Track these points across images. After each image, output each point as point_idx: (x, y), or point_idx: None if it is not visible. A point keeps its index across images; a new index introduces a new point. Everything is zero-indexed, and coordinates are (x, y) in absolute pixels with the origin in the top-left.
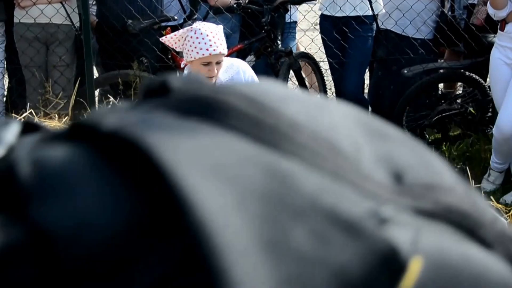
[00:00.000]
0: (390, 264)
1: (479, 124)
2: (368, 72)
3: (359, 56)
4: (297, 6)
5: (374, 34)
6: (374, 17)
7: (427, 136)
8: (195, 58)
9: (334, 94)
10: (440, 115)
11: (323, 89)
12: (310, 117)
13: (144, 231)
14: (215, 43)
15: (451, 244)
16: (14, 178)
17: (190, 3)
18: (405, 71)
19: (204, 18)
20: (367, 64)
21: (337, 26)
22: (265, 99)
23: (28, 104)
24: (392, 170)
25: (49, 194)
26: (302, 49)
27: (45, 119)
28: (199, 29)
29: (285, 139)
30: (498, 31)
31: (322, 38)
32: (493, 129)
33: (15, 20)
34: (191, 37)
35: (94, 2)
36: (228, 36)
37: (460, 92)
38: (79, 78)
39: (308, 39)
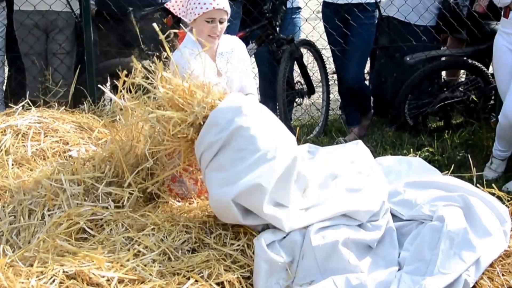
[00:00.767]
0: None
1: (481, 112)
2: (370, 60)
3: (361, 43)
4: None
5: (376, 22)
6: (376, 4)
7: (430, 124)
8: (199, 14)
9: (336, 81)
10: (442, 103)
11: (324, 76)
12: None
13: None
14: None
15: None
16: None
17: None
18: (408, 59)
19: None
20: (369, 51)
21: (339, 13)
22: None
23: (28, 92)
24: None
25: None
26: (303, 37)
27: (44, 107)
28: None
29: None
30: (502, 18)
31: (324, 26)
32: (498, 115)
33: (15, 8)
34: None
35: None
36: (229, 23)
37: (463, 79)
38: (79, 66)
39: (310, 27)
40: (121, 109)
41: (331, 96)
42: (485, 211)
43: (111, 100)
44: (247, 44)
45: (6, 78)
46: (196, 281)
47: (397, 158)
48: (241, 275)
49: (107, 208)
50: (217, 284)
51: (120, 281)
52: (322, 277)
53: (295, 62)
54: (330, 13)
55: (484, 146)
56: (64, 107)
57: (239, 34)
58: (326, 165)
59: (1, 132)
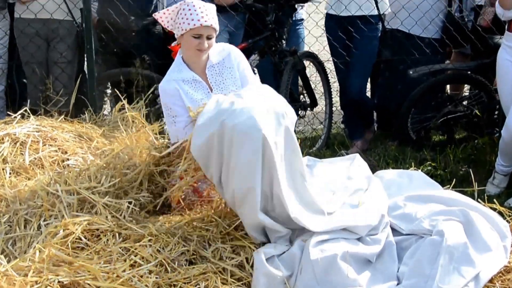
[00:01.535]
0: None
1: (484, 127)
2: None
3: (364, 56)
4: (302, 4)
5: (379, 34)
6: (379, 17)
7: (432, 138)
8: (186, 30)
9: (338, 93)
10: (445, 117)
11: (327, 89)
12: None
13: None
14: (206, 15)
15: None
16: None
17: None
18: (411, 72)
19: None
20: (372, 64)
21: (342, 25)
22: None
23: (29, 101)
24: None
25: None
26: (306, 49)
27: (44, 116)
28: (191, 2)
29: None
30: (506, 31)
31: (327, 37)
32: (501, 129)
33: (16, 15)
34: (183, 9)
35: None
36: (231, 34)
37: (466, 94)
38: (80, 75)
39: (313, 39)
40: (122, 120)
41: (334, 108)
42: (486, 226)
43: (112, 109)
44: (249, 56)
45: (7, 87)
46: None
47: (398, 171)
48: None
49: (104, 218)
50: None
51: None
52: None
53: (298, 74)
54: (333, 25)
55: (487, 161)
56: (64, 116)
57: (241, 45)
58: (323, 182)
59: None
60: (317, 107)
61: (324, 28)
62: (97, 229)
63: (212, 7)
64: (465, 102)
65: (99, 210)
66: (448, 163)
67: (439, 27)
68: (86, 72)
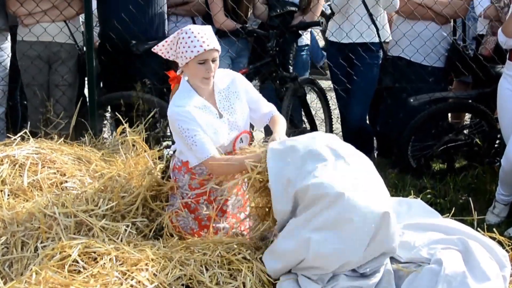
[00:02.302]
0: None
1: (485, 156)
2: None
3: (364, 83)
4: (303, 31)
5: (380, 62)
6: (380, 44)
7: (433, 166)
8: (190, 58)
9: (339, 120)
10: (446, 146)
11: (328, 115)
12: None
13: None
14: (207, 39)
15: None
16: None
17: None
18: (411, 100)
19: None
20: (373, 92)
21: (343, 52)
22: None
23: (29, 123)
24: None
25: None
26: (307, 75)
27: (45, 138)
28: (189, 29)
29: None
30: (507, 61)
31: (328, 64)
32: (501, 159)
33: (18, 38)
34: (183, 38)
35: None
36: (233, 60)
37: (467, 122)
38: (80, 98)
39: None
40: (122, 143)
41: (334, 135)
42: (484, 255)
43: (112, 133)
44: (250, 81)
45: (8, 108)
46: None
47: (397, 199)
48: None
49: (101, 241)
50: None
51: None
52: None
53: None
54: (334, 52)
55: (487, 190)
56: (64, 139)
57: (242, 70)
58: None
59: None
60: None
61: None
62: (94, 252)
63: (209, 29)
64: (465, 131)
65: (96, 233)
66: (448, 191)
67: (442, 55)
68: (87, 95)
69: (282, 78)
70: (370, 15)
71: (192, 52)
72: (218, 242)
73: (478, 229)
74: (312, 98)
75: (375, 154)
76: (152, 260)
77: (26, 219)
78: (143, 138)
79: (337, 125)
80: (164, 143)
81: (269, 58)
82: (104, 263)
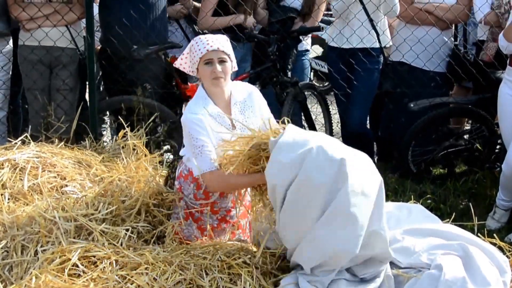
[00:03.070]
0: None
1: (485, 161)
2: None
3: (364, 88)
4: (304, 36)
5: (380, 67)
6: (381, 50)
7: (433, 171)
8: (198, 61)
9: (339, 125)
10: (446, 151)
11: (328, 120)
12: None
13: None
14: (212, 41)
15: None
16: None
17: (194, 32)
18: (412, 105)
19: None
20: (373, 97)
21: (344, 57)
22: None
23: (30, 127)
24: None
25: None
26: (308, 80)
27: (46, 142)
28: (199, 37)
29: None
30: (508, 66)
31: (329, 69)
32: (502, 164)
33: (20, 42)
34: (192, 45)
35: (99, 29)
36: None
37: (468, 128)
38: (81, 103)
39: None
40: (123, 147)
41: None
42: (485, 261)
43: (112, 137)
44: None
45: (9, 112)
46: None
47: (397, 204)
48: None
49: (101, 245)
50: None
51: None
52: None
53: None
54: (334, 57)
55: (488, 196)
56: (64, 142)
57: (243, 75)
58: None
59: None
60: None
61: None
62: (94, 256)
63: (223, 37)
64: (466, 136)
65: (96, 237)
66: (448, 196)
67: (443, 60)
68: (88, 100)
69: (282, 83)
70: (371, 20)
71: (198, 54)
72: (218, 247)
73: (479, 234)
74: (312, 103)
75: (375, 159)
76: (152, 264)
77: (26, 223)
78: (143, 142)
79: (337, 130)
80: (165, 147)
81: (270, 63)
82: (104, 267)
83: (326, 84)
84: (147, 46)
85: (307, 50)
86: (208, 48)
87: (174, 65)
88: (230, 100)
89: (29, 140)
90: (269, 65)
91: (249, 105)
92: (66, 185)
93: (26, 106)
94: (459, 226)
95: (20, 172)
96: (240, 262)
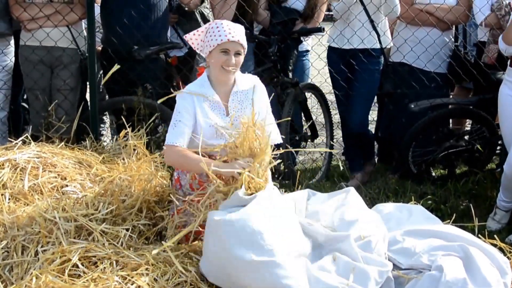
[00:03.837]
0: None
1: (486, 162)
2: (378, 105)
3: (365, 89)
4: (305, 37)
5: (381, 68)
6: (381, 50)
7: (433, 172)
8: (214, 46)
9: (339, 126)
10: (447, 151)
11: (328, 120)
12: None
13: None
14: (234, 31)
15: None
16: None
17: None
18: (412, 106)
19: None
20: (373, 97)
21: (345, 58)
22: None
23: (31, 127)
24: None
25: None
26: (308, 81)
27: (47, 142)
28: (221, 22)
29: None
30: (508, 67)
31: (329, 70)
32: (503, 165)
33: (21, 43)
34: (212, 27)
35: (100, 29)
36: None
37: (468, 129)
38: (82, 103)
39: (315, 71)
40: (123, 147)
41: (334, 140)
42: (485, 262)
43: (112, 137)
44: None
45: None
46: None
47: (397, 205)
48: None
49: (101, 245)
50: None
51: None
52: None
53: (300, 106)
54: (335, 58)
55: (488, 197)
56: (65, 142)
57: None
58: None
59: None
60: (317, 138)
61: (326, 61)
62: (94, 256)
63: (241, 27)
64: (466, 137)
65: (96, 237)
66: (448, 197)
67: (444, 61)
68: (88, 100)
69: (283, 84)
70: (372, 21)
71: (217, 40)
72: None
73: (479, 235)
74: (313, 103)
75: (376, 160)
76: (153, 265)
77: (26, 223)
78: (144, 142)
79: (337, 130)
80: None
81: (270, 63)
82: (104, 268)
83: None
84: (148, 47)
85: (308, 51)
86: (230, 38)
87: (184, 37)
88: (232, 88)
89: (30, 140)
90: (270, 65)
91: (250, 97)
92: (67, 185)
93: (26, 106)
94: (460, 227)
95: (20, 172)
96: None
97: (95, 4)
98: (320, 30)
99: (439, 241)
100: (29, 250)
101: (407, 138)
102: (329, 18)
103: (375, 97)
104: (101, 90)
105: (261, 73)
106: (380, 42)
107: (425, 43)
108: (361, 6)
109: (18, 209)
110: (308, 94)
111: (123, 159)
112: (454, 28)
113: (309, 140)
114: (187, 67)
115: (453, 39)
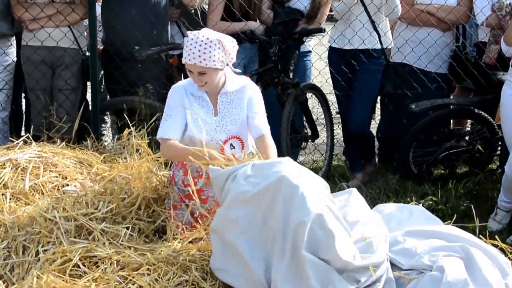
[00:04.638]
0: None
1: (486, 162)
2: (380, 106)
3: (366, 89)
4: (306, 38)
5: (382, 68)
6: (382, 51)
7: (434, 173)
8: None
9: (340, 126)
10: (447, 152)
11: (329, 121)
12: None
13: None
14: (193, 53)
15: None
16: None
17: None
18: (413, 106)
19: None
20: (374, 98)
21: (345, 58)
22: None
23: (32, 127)
24: None
25: None
26: (309, 81)
27: (48, 142)
28: (195, 34)
29: None
30: (510, 68)
31: (330, 71)
32: (504, 166)
33: (23, 43)
34: (187, 41)
35: (101, 29)
36: (245, 66)
37: (469, 129)
38: (83, 103)
39: (315, 71)
40: (124, 147)
41: (335, 140)
42: (487, 263)
43: (113, 137)
44: None
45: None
46: None
47: (398, 205)
48: None
49: (102, 245)
50: None
51: None
52: None
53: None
54: (336, 59)
55: (489, 197)
56: (66, 142)
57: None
58: None
59: (1, 165)
60: (318, 138)
61: (327, 61)
62: (95, 256)
63: (212, 43)
64: (467, 137)
65: (96, 237)
66: (449, 198)
67: (445, 62)
68: (90, 100)
69: (284, 84)
70: (372, 21)
71: (184, 58)
72: None
73: (480, 236)
74: (313, 104)
75: (377, 160)
76: (154, 265)
77: (27, 223)
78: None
79: (338, 131)
80: None
81: (271, 64)
82: (105, 268)
83: None
84: (149, 47)
85: (310, 52)
86: (186, 61)
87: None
88: (221, 89)
89: (31, 140)
90: (271, 66)
91: (240, 97)
92: (67, 185)
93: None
94: (461, 227)
95: (21, 172)
96: None
97: (97, 4)
98: (321, 30)
99: (440, 242)
100: (30, 250)
101: (408, 138)
102: (329, 19)
103: (378, 98)
104: (102, 90)
105: (262, 73)
106: (381, 43)
107: (425, 43)
108: (362, 6)
109: (18, 209)
110: (308, 95)
111: (125, 158)
112: (455, 29)
113: (309, 140)
114: None
115: (454, 40)
